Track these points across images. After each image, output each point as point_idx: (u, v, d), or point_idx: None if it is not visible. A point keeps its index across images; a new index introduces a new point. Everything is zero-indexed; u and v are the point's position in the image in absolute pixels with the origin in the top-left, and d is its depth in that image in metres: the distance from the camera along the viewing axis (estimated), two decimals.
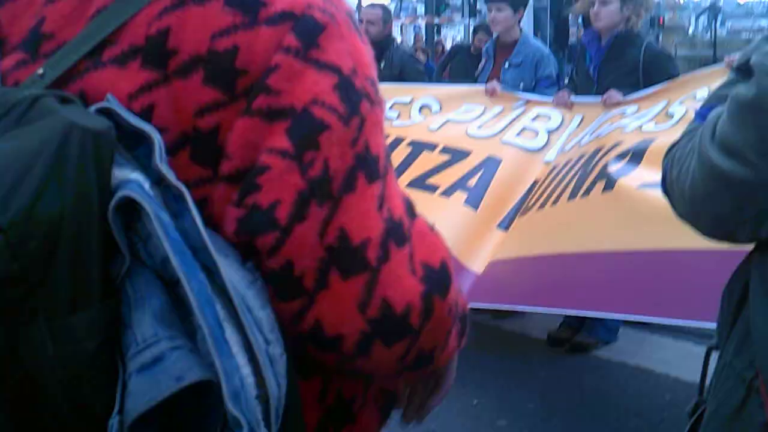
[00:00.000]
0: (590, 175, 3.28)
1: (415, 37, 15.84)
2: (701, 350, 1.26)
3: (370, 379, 0.92)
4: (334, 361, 0.81)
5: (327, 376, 0.86)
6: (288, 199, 0.72)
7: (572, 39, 4.34)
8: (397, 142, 3.96)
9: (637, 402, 3.37)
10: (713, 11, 18.44)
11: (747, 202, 1.00)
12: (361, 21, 5.07)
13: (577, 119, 4.02)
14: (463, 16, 16.88)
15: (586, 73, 4.22)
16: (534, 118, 4.11)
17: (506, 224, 3.60)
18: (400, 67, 5.09)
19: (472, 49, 5.58)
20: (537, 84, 4.54)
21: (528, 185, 3.75)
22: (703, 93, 3.25)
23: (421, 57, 10.24)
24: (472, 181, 3.70)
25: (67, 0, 0.76)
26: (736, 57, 1.42)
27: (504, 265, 3.31)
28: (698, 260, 2.40)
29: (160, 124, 0.71)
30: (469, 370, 3.64)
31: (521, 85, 4.51)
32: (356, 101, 0.76)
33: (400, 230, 0.78)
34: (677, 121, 3.32)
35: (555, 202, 3.38)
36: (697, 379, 1.27)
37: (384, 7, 5.50)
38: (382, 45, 5.04)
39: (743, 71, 1.00)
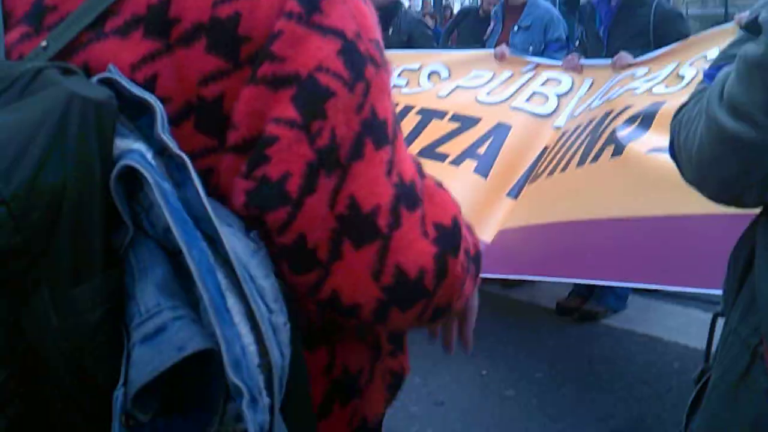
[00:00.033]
0: (599, 141, 3.28)
1: (423, 2, 15.68)
2: (710, 317, 1.27)
3: (379, 354, 0.93)
4: (354, 325, 0.84)
5: (332, 349, 0.88)
6: (297, 170, 0.73)
7: (582, 0, 4.29)
8: (407, 110, 3.96)
9: (645, 370, 3.40)
10: None
11: (754, 165, 0.99)
12: None
13: (587, 83, 4.00)
14: None
15: (596, 35, 4.19)
16: (543, 83, 4.09)
17: (516, 192, 3.60)
18: (409, 33, 5.06)
19: (480, 12, 5.53)
20: (546, 47, 4.52)
21: (538, 152, 3.74)
22: (713, 53, 3.22)
23: (430, 22, 10.15)
24: (482, 149, 3.70)
25: None
26: (745, 15, 1.40)
27: (513, 234, 3.32)
28: (707, 226, 2.40)
29: (163, 94, 0.72)
30: (477, 339, 3.66)
31: (530, 48, 4.49)
32: (361, 66, 0.76)
33: (412, 193, 0.79)
34: (688, 83, 3.30)
35: (564, 168, 3.38)
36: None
37: None
38: (390, 11, 4.99)
39: (752, 29, 0.97)
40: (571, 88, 4.02)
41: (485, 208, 3.46)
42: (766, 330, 1.05)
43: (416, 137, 3.77)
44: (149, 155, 0.67)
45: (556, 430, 2.93)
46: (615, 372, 3.40)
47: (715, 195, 1.10)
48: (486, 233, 3.33)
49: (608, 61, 3.97)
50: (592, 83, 3.97)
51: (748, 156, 0.98)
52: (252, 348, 0.64)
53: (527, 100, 4.00)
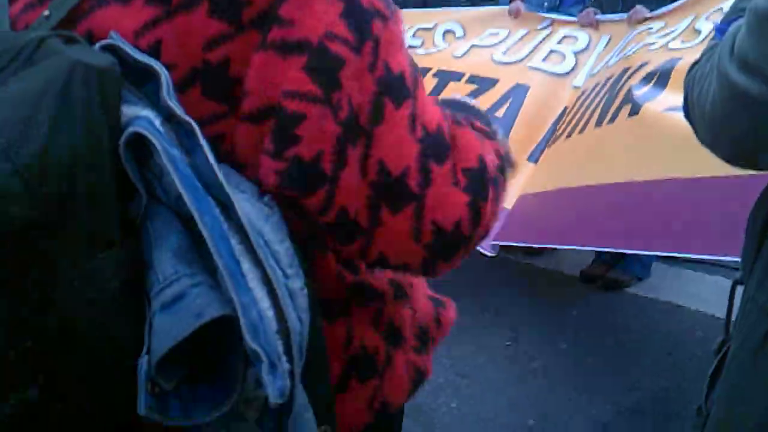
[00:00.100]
0: (616, 100, 3.26)
1: None
2: None
3: (399, 341, 0.96)
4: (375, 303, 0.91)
5: (351, 325, 0.90)
6: (329, 147, 0.74)
7: None
8: (423, 72, 3.95)
9: (668, 339, 3.42)
10: None
11: (765, 122, 0.97)
12: None
13: (604, 39, 3.98)
14: None
15: None
16: (560, 40, 4.08)
17: (536, 156, 3.60)
18: None
19: None
20: (561, 2, 4.48)
21: (557, 113, 3.74)
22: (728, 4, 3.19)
23: None
24: (501, 111, 3.70)
25: None
26: None
27: (533, 200, 3.32)
28: (727, 189, 2.38)
29: (168, 60, 0.73)
30: (501, 311, 3.73)
31: (545, 4, 4.45)
32: (366, 25, 0.76)
33: (439, 143, 0.81)
34: (704, 38, 3.28)
35: (582, 130, 3.37)
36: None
37: None
38: None
39: None
40: (588, 45, 4.00)
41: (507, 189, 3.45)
42: None
43: None
44: (157, 122, 0.68)
45: (581, 401, 2.95)
46: (639, 342, 3.41)
47: (729, 156, 1.08)
48: (508, 200, 3.33)
49: (624, 15, 3.95)
50: (610, 39, 3.95)
51: (759, 112, 0.96)
52: (269, 313, 0.65)
53: (544, 59, 3.98)
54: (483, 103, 3.70)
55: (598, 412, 2.90)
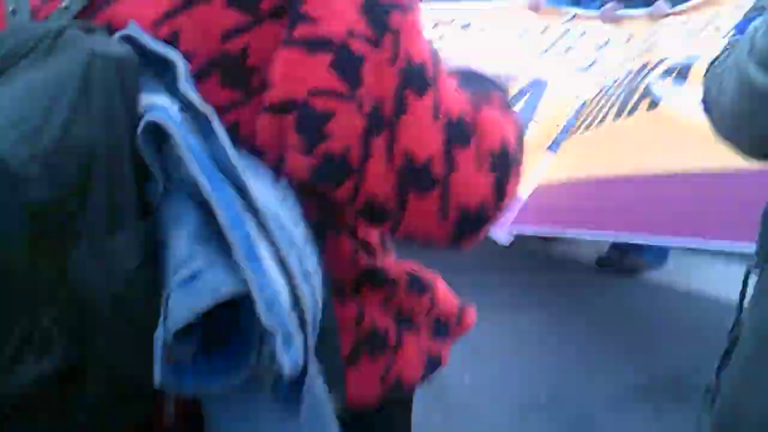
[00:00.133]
0: (635, 94, 3.23)
1: None
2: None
3: (411, 325, 0.97)
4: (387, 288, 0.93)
5: (362, 305, 0.91)
6: (356, 142, 0.76)
7: None
8: None
9: (683, 324, 3.39)
10: None
11: None
12: None
13: (625, 35, 3.93)
14: None
15: None
16: (581, 35, 4.04)
17: (555, 148, 3.58)
18: None
19: None
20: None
21: (577, 106, 3.70)
22: (750, 3, 3.16)
23: None
24: (519, 105, 3.67)
25: None
26: None
27: (550, 190, 3.30)
28: (744, 181, 2.37)
29: (186, 49, 0.74)
30: (515, 293, 3.73)
31: None
32: (385, 18, 0.76)
33: (463, 128, 0.81)
34: (725, 35, 3.23)
35: (601, 121, 3.34)
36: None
37: None
38: None
39: None
40: (609, 41, 3.96)
41: (525, 163, 3.44)
42: None
43: None
44: (174, 110, 0.68)
45: (594, 380, 2.95)
46: (654, 327, 3.39)
47: (749, 151, 1.07)
48: (526, 189, 3.33)
49: (646, 10, 3.90)
50: (631, 35, 3.91)
51: None
52: (284, 291, 0.66)
53: (564, 53, 3.95)
54: None
55: (612, 390, 2.89)
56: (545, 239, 4.18)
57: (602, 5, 4.18)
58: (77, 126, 0.64)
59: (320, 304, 0.73)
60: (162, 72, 0.71)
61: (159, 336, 0.64)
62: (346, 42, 0.74)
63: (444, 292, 1.05)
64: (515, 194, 0.89)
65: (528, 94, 3.71)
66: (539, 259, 4.15)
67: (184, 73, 0.70)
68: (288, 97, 0.75)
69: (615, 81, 3.57)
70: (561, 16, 4.16)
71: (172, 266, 0.65)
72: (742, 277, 1.23)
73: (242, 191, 0.67)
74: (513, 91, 3.72)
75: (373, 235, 0.94)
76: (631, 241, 3.48)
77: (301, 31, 0.74)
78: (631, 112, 3.17)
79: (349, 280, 0.90)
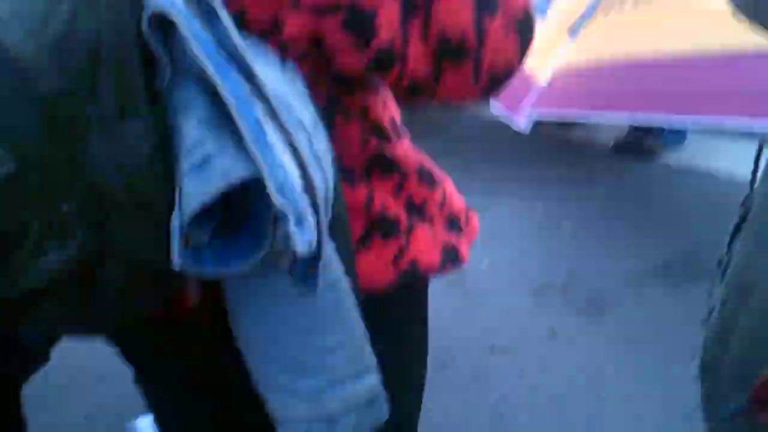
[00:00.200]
0: None
1: None
2: None
3: (423, 216, 0.98)
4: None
5: (372, 189, 0.92)
6: (397, 30, 0.78)
7: None
8: None
9: (702, 203, 3.39)
10: None
11: None
12: None
13: None
14: None
15: None
16: None
17: (575, 33, 3.50)
18: None
19: None
20: None
21: None
22: None
23: None
24: None
25: None
26: None
27: (571, 73, 3.26)
28: (766, 60, 2.33)
29: None
30: (533, 178, 3.74)
31: None
32: None
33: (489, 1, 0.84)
34: None
35: (621, 6, 3.27)
36: None
37: None
38: None
39: None
40: None
41: (545, 48, 3.39)
42: None
43: None
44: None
45: (611, 260, 2.98)
46: (671, 208, 3.40)
47: None
48: (546, 74, 3.29)
49: None
50: None
51: None
52: (295, 173, 0.66)
53: None
54: None
55: (628, 270, 2.92)
56: (563, 125, 4.15)
57: None
58: (83, 16, 0.63)
59: (332, 184, 0.73)
60: None
61: (175, 221, 0.65)
62: None
63: (453, 191, 1.06)
64: (530, 48, 0.93)
65: None
66: (557, 145, 4.14)
67: None
68: (329, 3, 0.76)
69: None
70: None
71: (183, 151, 0.65)
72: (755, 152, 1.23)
73: (249, 76, 0.66)
74: None
75: (385, 118, 0.94)
76: (649, 123, 3.45)
77: None
78: None
79: (359, 165, 0.91)
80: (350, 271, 0.81)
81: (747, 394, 0.83)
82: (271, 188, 0.64)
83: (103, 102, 0.64)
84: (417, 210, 0.98)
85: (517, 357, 2.48)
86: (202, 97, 0.67)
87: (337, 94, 0.87)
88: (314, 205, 0.68)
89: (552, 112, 3.24)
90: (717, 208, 3.26)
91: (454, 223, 1.04)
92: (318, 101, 0.76)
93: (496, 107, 3.28)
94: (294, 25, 0.78)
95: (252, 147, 0.64)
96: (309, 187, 0.68)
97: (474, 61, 0.84)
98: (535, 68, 3.28)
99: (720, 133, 3.94)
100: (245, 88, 0.66)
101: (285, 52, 0.77)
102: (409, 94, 0.87)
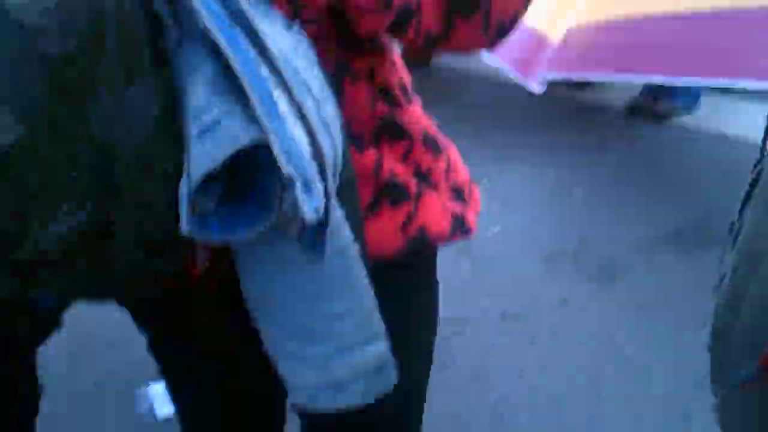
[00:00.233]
0: None
1: None
2: None
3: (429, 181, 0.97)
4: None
5: (380, 154, 0.91)
6: None
7: None
8: None
9: (714, 168, 3.36)
10: None
11: None
12: None
13: None
14: None
15: None
16: None
17: None
18: None
19: None
20: None
21: None
22: None
23: None
24: None
25: None
26: None
27: (582, 33, 3.23)
28: None
29: None
30: (545, 142, 3.72)
31: None
32: None
33: None
34: None
35: None
36: None
37: None
38: None
39: None
40: None
41: (558, 9, 3.35)
42: None
43: None
44: None
45: (622, 227, 2.97)
46: (684, 172, 3.38)
47: None
48: (558, 34, 3.25)
49: None
50: None
51: None
52: (303, 138, 0.66)
53: None
54: None
55: (639, 236, 2.91)
56: (575, 86, 4.11)
57: None
58: None
59: (340, 149, 0.73)
60: None
61: (183, 186, 0.65)
62: None
63: (457, 160, 1.06)
64: None
65: None
66: (569, 108, 4.10)
67: None
68: None
69: None
70: None
71: (191, 115, 0.65)
72: None
73: (256, 40, 0.66)
74: None
75: (394, 82, 0.94)
76: (663, 83, 3.41)
77: None
78: None
79: (368, 131, 0.91)
80: (359, 237, 0.81)
81: (757, 362, 0.82)
82: (278, 154, 0.63)
83: (110, 64, 0.63)
84: (424, 177, 0.98)
85: (528, 324, 2.49)
86: (209, 59, 0.66)
87: (345, 58, 0.87)
88: (322, 172, 0.67)
89: (564, 74, 3.21)
90: (729, 174, 3.24)
91: (458, 194, 1.04)
92: (326, 66, 0.76)
93: (509, 70, 3.25)
94: None
95: (259, 111, 0.63)
96: (317, 153, 0.67)
97: (484, 13, 0.86)
98: (547, 29, 3.24)
99: (734, 95, 3.91)
100: (251, 50, 0.65)
101: (296, 15, 0.76)
102: (424, 46, 0.88)
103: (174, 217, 0.66)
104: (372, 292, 0.82)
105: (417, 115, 0.99)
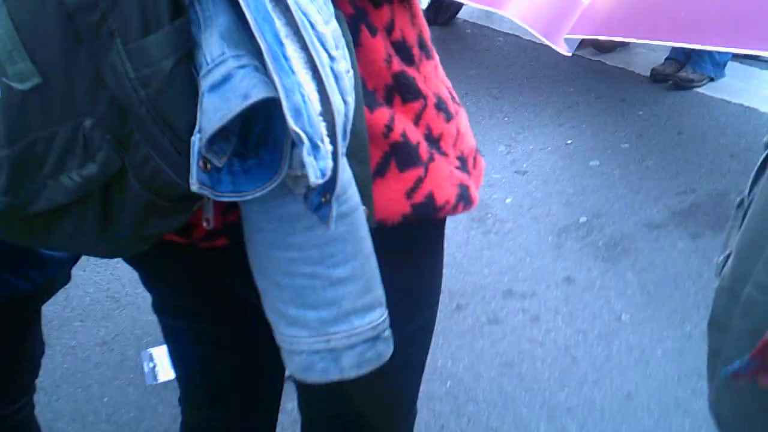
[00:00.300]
0: None
1: None
2: None
3: (437, 148, 0.96)
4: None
5: (392, 114, 0.89)
6: None
7: None
8: None
9: (735, 142, 3.33)
10: None
11: None
12: None
13: None
14: None
15: None
16: None
17: None
18: None
19: None
20: None
21: None
22: None
23: None
24: None
25: None
26: None
27: None
28: None
29: None
30: (565, 107, 3.67)
31: None
32: None
33: None
34: None
35: None
36: None
37: None
38: None
39: None
40: None
41: None
42: None
43: None
44: None
45: (636, 202, 2.96)
46: (704, 144, 3.34)
47: None
48: None
49: None
50: None
51: None
52: (313, 96, 0.66)
53: None
54: None
55: (652, 213, 2.91)
56: (600, 48, 4.04)
57: None
58: None
59: (352, 108, 0.72)
60: None
61: (195, 142, 0.65)
62: None
63: (466, 126, 1.03)
64: None
65: None
66: (594, 70, 4.04)
67: None
68: None
69: None
70: None
71: (203, 68, 0.65)
72: None
73: None
74: None
75: (411, 37, 0.92)
76: (693, 46, 3.32)
77: None
78: None
79: (381, 88, 0.88)
80: (367, 200, 0.81)
81: (750, 354, 0.78)
82: (287, 113, 0.63)
83: (126, 15, 0.63)
84: (435, 142, 0.95)
85: (532, 302, 2.50)
86: (224, 10, 0.66)
87: (363, 8, 0.84)
88: (332, 132, 0.67)
89: (593, 32, 3.14)
90: (752, 148, 3.20)
91: (464, 163, 1.01)
92: (343, 9, 0.76)
93: (537, 32, 3.18)
94: None
95: (271, 67, 0.63)
96: (327, 111, 0.67)
97: None
98: None
99: (763, 65, 3.82)
100: (267, 2, 0.64)
101: None
102: None
103: (185, 173, 0.66)
104: (375, 259, 0.81)
105: (433, 74, 0.96)
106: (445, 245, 1.09)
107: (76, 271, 1.32)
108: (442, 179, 0.94)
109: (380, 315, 0.83)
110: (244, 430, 1.29)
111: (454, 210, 0.97)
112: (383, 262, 0.82)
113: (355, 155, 0.77)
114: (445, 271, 1.12)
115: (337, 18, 0.73)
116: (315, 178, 0.65)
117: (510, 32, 4.45)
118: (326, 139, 0.66)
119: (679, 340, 2.28)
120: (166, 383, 2.15)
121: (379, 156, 0.89)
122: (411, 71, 0.91)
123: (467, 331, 2.38)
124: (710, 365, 0.97)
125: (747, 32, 2.58)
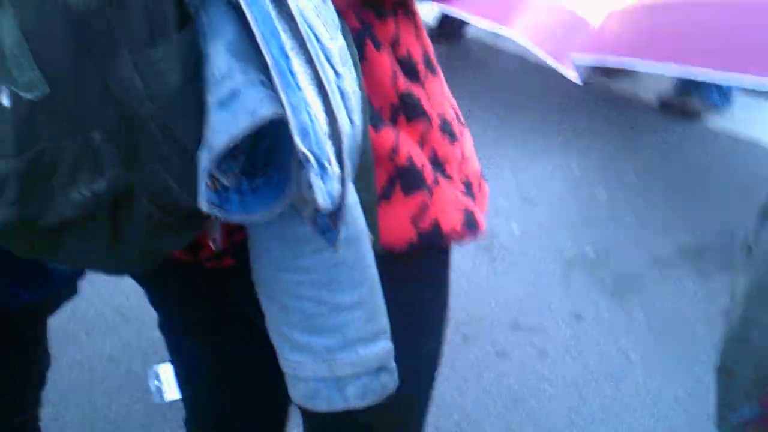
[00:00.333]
0: None
1: None
2: None
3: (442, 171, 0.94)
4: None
5: (397, 135, 0.88)
6: None
7: None
8: None
9: (742, 177, 3.32)
10: None
11: None
12: None
13: None
14: None
15: None
16: None
17: None
18: None
19: None
20: None
21: None
22: None
23: None
24: None
25: None
26: None
27: (621, 16, 3.14)
28: None
29: None
30: (574, 135, 3.65)
31: None
32: None
33: None
34: None
35: None
36: None
37: None
38: None
39: None
40: None
41: None
42: None
43: None
44: None
45: (643, 236, 2.95)
46: (710, 178, 3.34)
47: None
48: (597, 18, 3.17)
49: None
50: None
51: None
52: (321, 116, 0.64)
53: None
54: None
55: (659, 248, 2.89)
56: (608, 74, 4.03)
57: None
58: None
59: (359, 128, 0.71)
60: None
61: (203, 160, 0.63)
62: None
63: (470, 149, 1.02)
64: None
65: None
66: (601, 96, 4.03)
67: None
68: None
69: None
70: None
71: (211, 82, 0.63)
72: None
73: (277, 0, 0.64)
74: None
75: (417, 52, 0.91)
76: (698, 78, 3.31)
77: None
78: None
79: (387, 106, 0.87)
80: (372, 225, 0.79)
81: (762, 401, 0.78)
82: (294, 132, 0.62)
83: (134, 24, 0.62)
84: (440, 165, 0.94)
85: (540, 337, 2.47)
86: (231, 23, 0.64)
87: (368, 21, 0.83)
88: (339, 154, 0.66)
89: (599, 60, 3.13)
90: (756, 181, 3.20)
91: (468, 188, 0.99)
92: (348, 23, 0.75)
93: (546, 56, 3.16)
94: None
95: (277, 83, 0.62)
96: (335, 131, 0.65)
97: None
98: (585, 11, 3.16)
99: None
100: (273, 14, 0.63)
101: None
102: None
103: (193, 191, 0.65)
104: (380, 287, 0.80)
105: (438, 92, 0.95)
106: (451, 273, 1.07)
107: (82, 284, 1.30)
108: (447, 204, 0.93)
109: (385, 346, 0.82)
110: None
111: (461, 237, 0.95)
112: (389, 291, 0.81)
113: (360, 178, 0.75)
114: (451, 300, 1.09)
115: (343, 32, 0.72)
116: (323, 201, 0.64)
117: (515, 52, 4.45)
118: (333, 161, 0.64)
119: (690, 383, 2.26)
120: (172, 403, 2.12)
121: (384, 179, 0.87)
122: (416, 89, 0.90)
123: (474, 363, 2.35)
124: (719, 410, 0.95)
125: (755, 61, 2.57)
